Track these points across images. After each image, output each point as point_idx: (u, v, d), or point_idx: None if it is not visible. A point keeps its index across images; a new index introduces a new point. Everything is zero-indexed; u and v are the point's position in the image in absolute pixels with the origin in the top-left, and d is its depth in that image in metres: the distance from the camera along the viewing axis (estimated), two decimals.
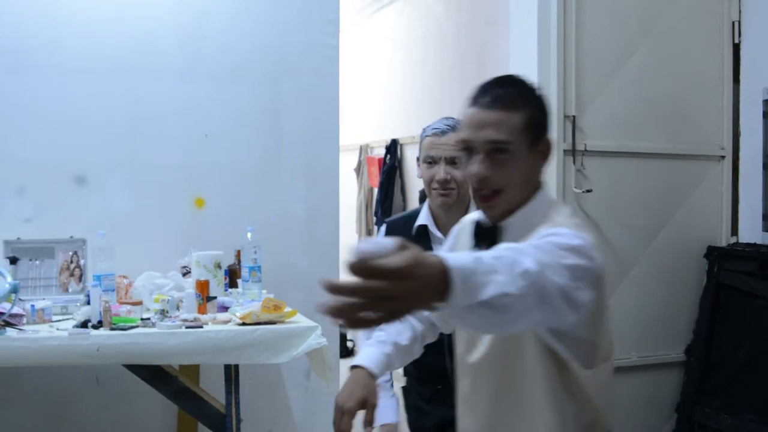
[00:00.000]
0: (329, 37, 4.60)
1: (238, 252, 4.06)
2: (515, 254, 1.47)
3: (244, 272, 3.85)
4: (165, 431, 4.50)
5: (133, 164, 4.40)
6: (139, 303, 3.66)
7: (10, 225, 4.12)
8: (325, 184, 4.64)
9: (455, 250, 2.05)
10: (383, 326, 2.05)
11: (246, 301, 3.76)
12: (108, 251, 3.73)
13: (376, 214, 7.36)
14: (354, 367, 2.11)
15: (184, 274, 4.05)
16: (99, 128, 4.34)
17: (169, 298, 3.55)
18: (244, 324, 3.41)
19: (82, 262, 3.97)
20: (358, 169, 8.07)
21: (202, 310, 3.57)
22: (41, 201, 4.26)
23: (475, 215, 1.98)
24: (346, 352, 7.38)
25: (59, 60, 4.27)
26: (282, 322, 3.46)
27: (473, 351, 1.91)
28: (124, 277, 3.87)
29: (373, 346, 2.13)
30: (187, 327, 3.37)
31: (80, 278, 3.95)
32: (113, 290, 3.68)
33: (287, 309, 3.48)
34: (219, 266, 3.85)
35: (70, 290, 3.93)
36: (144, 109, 4.40)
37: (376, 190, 7.51)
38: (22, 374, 4.19)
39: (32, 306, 3.48)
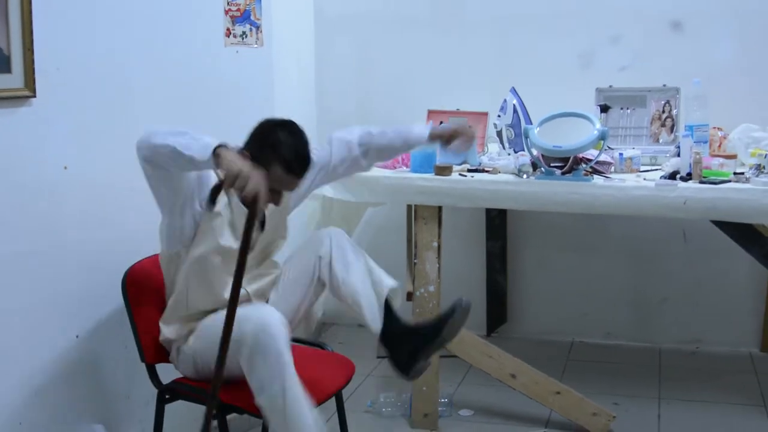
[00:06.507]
0: None
1: None
2: None
3: None
4: (752, 295, 4.24)
5: (737, 11, 4.03)
6: (734, 156, 3.40)
7: (603, 73, 4.09)
8: None
9: None
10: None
11: None
12: (702, 100, 3.51)
13: None
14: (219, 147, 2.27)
15: None
16: None
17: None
18: None
19: (674, 111, 3.79)
20: None
21: None
22: (636, 49, 4.15)
23: None
24: None
25: None
26: None
27: None
28: (719, 128, 3.61)
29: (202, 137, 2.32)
30: None
31: (672, 128, 3.79)
32: (706, 142, 3.47)
33: None
34: None
35: (660, 140, 3.80)
36: None
37: None
38: (608, 223, 4.23)
39: (620, 154, 3.43)
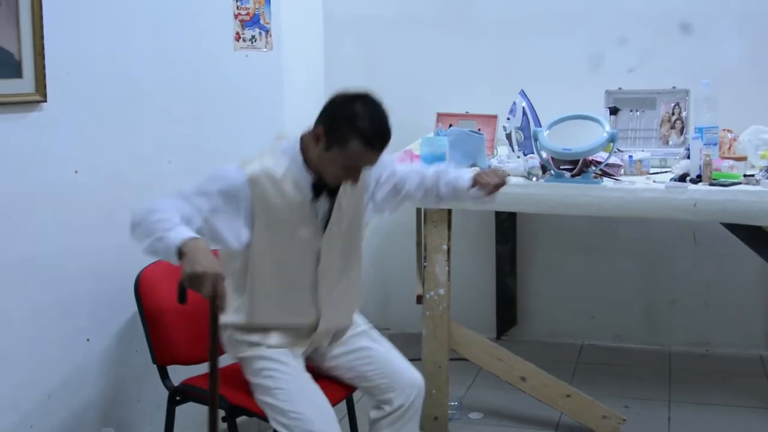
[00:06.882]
0: None
1: None
2: None
3: None
4: (762, 297, 4.23)
5: (746, 12, 4.03)
6: (744, 158, 3.39)
7: (612, 75, 4.09)
8: None
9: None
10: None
11: None
12: (711, 102, 3.50)
13: None
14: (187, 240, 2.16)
15: None
16: None
17: None
18: None
19: (684, 113, 3.79)
20: None
21: None
22: (644, 50, 4.15)
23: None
24: None
25: None
26: None
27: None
28: (729, 130, 3.60)
29: (182, 226, 2.21)
30: None
31: (681, 131, 3.79)
32: (716, 144, 3.46)
33: None
34: None
35: (670, 143, 3.80)
36: None
37: None
38: (618, 225, 4.23)
39: (630, 157, 3.43)
